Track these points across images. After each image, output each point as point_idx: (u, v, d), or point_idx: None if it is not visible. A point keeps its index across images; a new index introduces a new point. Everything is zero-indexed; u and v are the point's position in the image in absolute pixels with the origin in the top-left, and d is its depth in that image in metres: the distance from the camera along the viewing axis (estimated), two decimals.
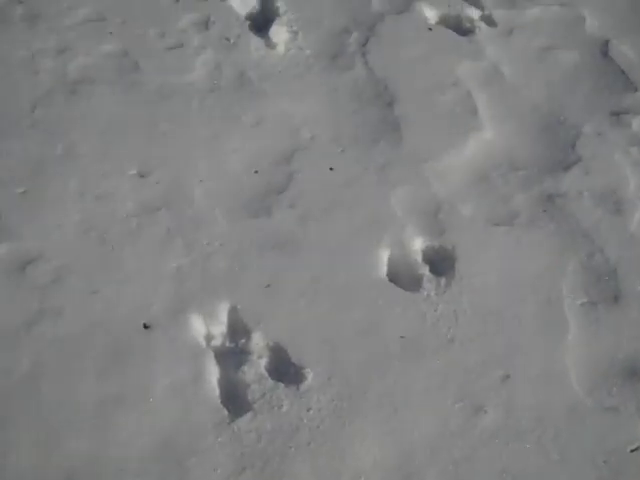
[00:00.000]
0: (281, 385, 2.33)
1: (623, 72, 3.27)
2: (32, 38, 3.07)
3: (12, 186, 2.65)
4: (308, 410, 2.30)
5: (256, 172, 2.80)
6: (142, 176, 2.73)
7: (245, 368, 2.36)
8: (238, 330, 2.44)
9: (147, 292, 2.47)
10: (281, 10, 3.35)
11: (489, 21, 3.41)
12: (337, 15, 3.35)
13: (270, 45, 3.22)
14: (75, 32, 3.11)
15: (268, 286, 2.53)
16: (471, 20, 3.40)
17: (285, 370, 2.38)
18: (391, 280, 2.59)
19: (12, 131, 2.78)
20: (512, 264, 2.66)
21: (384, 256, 2.63)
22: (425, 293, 2.57)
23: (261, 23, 3.32)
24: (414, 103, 3.08)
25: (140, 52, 3.09)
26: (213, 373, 2.32)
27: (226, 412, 2.25)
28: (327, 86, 3.10)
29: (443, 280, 2.60)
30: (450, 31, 3.35)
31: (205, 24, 3.24)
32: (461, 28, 3.39)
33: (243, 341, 2.41)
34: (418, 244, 2.68)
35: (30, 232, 2.55)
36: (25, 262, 2.48)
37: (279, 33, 3.27)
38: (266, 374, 2.35)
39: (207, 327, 2.41)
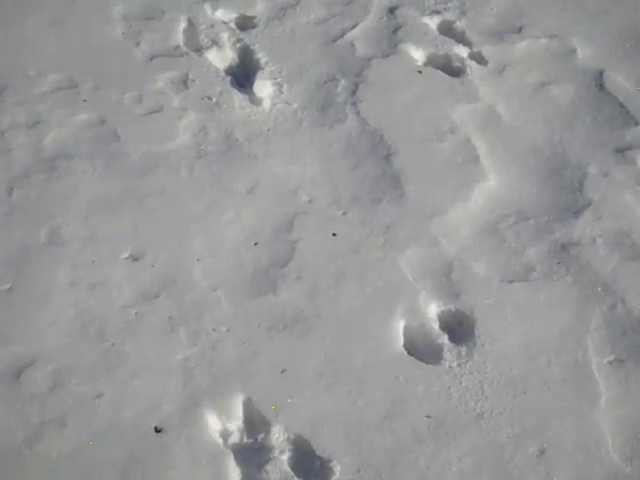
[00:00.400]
0: None
1: (621, 105, 3.28)
2: (0, 113, 2.97)
3: None
4: None
5: (256, 244, 2.74)
6: (136, 259, 2.65)
7: (268, 467, 2.28)
8: (256, 423, 2.37)
9: (155, 390, 2.38)
10: (262, 61, 3.28)
11: (479, 59, 3.39)
12: (321, 63, 3.30)
13: (255, 101, 3.16)
14: (46, 102, 3.01)
15: (283, 371, 2.47)
16: (460, 59, 3.38)
17: (310, 465, 2.31)
18: (410, 353, 2.55)
19: None
20: (533, 324, 2.64)
21: (400, 327, 2.58)
22: (447, 365, 2.53)
23: (243, 77, 3.26)
24: (413, 154, 3.05)
25: (118, 119, 3.01)
26: (234, 476, 2.26)
27: None
28: (320, 142, 3.05)
29: (464, 349, 2.57)
30: (440, 72, 3.32)
31: (184, 83, 3.16)
32: (451, 68, 3.36)
33: (262, 435, 2.34)
34: (434, 310, 2.64)
35: (21, 334, 2.44)
36: (19, 368, 2.38)
37: (263, 87, 3.21)
38: (291, 472, 2.29)
39: (222, 423, 2.33)
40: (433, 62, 3.37)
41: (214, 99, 3.12)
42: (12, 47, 3.15)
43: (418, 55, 3.38)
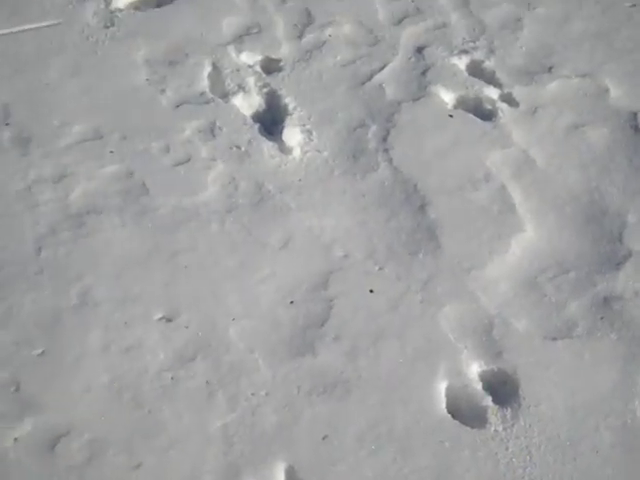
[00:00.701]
0: None
1: None
2: (26, 166, 2.96)
3: (28, 348, 2.54)
4: None
5: (292, 303, 2.74)
6: (169, 320, 2.65)
7: None
8: None
9: (194, 459, 2.38)
10: (290, 107, 3.29)
11: (510, 100, 3.40)
12: (350, 107, 3.31)
13: (285, 150, 3.17)
14: (72, 154, 3.02)
15: (325, 437, 2.46)
16: (491, 101, 3.39)
17: None
18: (454, 416, 2.54)
19: (19, 282, 2.67)
20: (578, 383, 2.63)
21: (442, 388, 2.58)
22: (492, 429, 2.53)
23: (271, 123, 3.27)
24: (447, 204, 3.05)
25: (146, 171, 3.01)
26: None
27: None
28: (352, 193, 3.06)
29: (509, 411, 2.56)
30: (472, 116, 3.33)
31: (211, 131, 3.17)
32: (482, 111, 3.37)
33: None
34: (476, 370, 2.63)
35: (55, 401, 2.44)
36: (54, 439, 2.38)
37: (292, 135, 3.21)
38: None
39: None
40: (464, 104, 3.38)
41: (243, 148, 3.13)
42: (34, 96, 3.16)
43: (448, 97, 3.40)
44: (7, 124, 3.07)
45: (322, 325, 2.70)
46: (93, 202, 2.90)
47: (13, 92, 3.16)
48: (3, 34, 3.32)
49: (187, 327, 2.64)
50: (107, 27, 3.43)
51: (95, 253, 2.78)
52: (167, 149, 3.09)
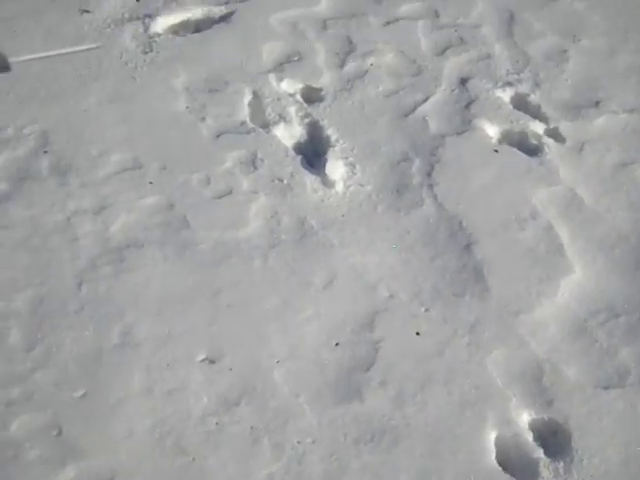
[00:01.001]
0: None
1: None
2: (65, 197, 2.92)
3: (69, 389, 2.49)
4: None
5: (337, 345, 2.68)
6: (213, 362, 2.60)
7: None
8: None
9: None
10: (332, 139, 3.24)
11: (556, 136, 3.35)
12: (394, 140, 3.27)
13: (327, 183, 3.12)
14: (111, 185, 2.98)
15: None
16: (537, 136, 3.34)
17: None
18: (504, 468, 2.48)
19: (59, 319, 2.62)
20: (632, 435, 2.57)
21: (491, 437, 2.52)
22: None
23: (313, 154, 3.22)
24: (494, 243, 3.00)
25: (186, 203, 2.96)
26: None
27: None
28: (397, 229, 3.01)
29: (561, 464, 2.50)
30: (517, 151, 3.28)
31: (252, 162, 3.13)
32: (528, 146, 3.32)
33: None
34: (526, 419, 2.57)
35: (97, 446, 2.39)
36: None
37: (335, 168, 3.16)
38: None
39: None
40: (509, 139, 3.33)
41: (285, 181, 3.09)
42: (73, 124, 3.11)
43: (493, 132, 3.35)
44: (45, 152, 3.02)
45: (368, 369, 2.65)
46: (133, 235, 2.86)
47: (51, 119, 3.12)
48: (40, 58, 3.29)
49: (231, 369, 2.59)
50: (146, 52, 3.39)
51: (136, 289, 2.73)
52: (208, 180, 3.05)
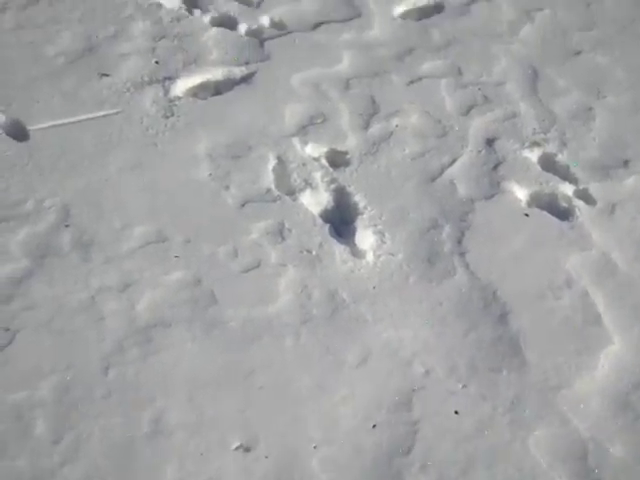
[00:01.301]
0: None
1: None
2: (89, 274, 2.84)
3: None
4: None
5: (374, 426, 2.60)
6: (248, 449, 2.51)
7: None
8: None
9: None
10: (360, 205, 3.18)
11: (586, 198, 3.30)
12: (422, 205, 3.20)
13: (357, 253, 3.04)
14: (136, 259, 2.90)
15: None
16: (567, 198, 3.28)
17: None
18: None
19: (87, 407, 2.53)
20: None
21: None
22: None
23: (340, 222, 3.14)
24: (529, 313, 2.93)
25: (213, 278, 2.89)
26: None
27: None
28: (429, 301, 2.94)
29: None
30: (548, 214, 3.22)
31: (280, 233, 3.06)
32: (558, 208, 3.26)
33: None
34: None
35: None
36: None
37: (364, 237, 3.09)
38: None
39: None
40: (538, 202, 3.27)
41: (314, 252, 3.01)
42: (94, 195, 3.03)
43: (522, 194, 3.29)
44: (67, 226, 2.94)
45: (408, 452, 2.56)
46: (160, 313, 2.78)
47: (72, 190, 3.04)
48: (59, 125, 3.23)
49: (267, 457, 2.50)
50: (167, 117, 3.32)
51: (165, 372, 2.64)
52: (235, 253, 2.98)
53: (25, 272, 2.83)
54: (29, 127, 3.23)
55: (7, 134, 3.21)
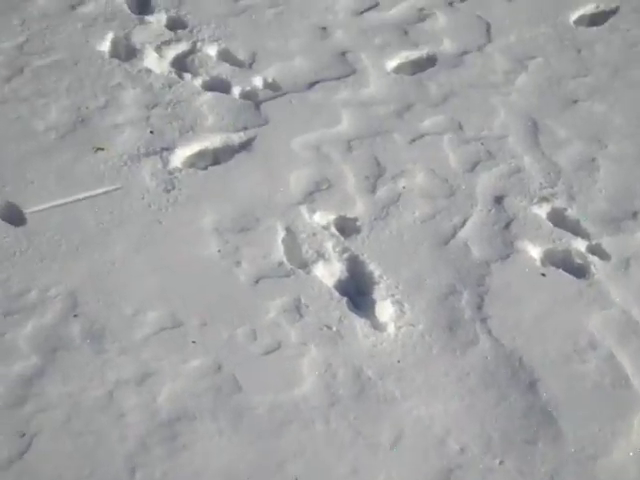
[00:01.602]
0: None
1: None
2: (104, 367, 2.74)
3: None
4: None
5: None
6: None
7: None
8: None
9: None
10: (375, 275, 3.13)
11: (600, 253, 3.28)
12: (438, 270, 3.16)
13: (378, 326, 2.99)
14: (152, 348, 2.80)
15: None
16: (581, 255, 3.26)
17: None
18: None
19: None
20: None
21: None
22: None
23: (356, 293, 3.09)
24: (557, 379, 2.89)
25: (234, 363, 2.80)
26: None
27: None
28: (455, 372, 2.90)
29: None
30: (564, 273, 3.19)
31: (297, 309, 2.99)
32: (573, 265, 3.23)
33: None
34: None
35: None
36: None
37: (383, 308, 3.04)
38: None
39: None
40: (552, 259, 3.25)
41: (334, 328, 2.95)
42: (101, 280, 2.94)
43: (536, 253, 3.26)
44: (75, 315, 2.84)
45: None
46: (183, 405, 2.68)
47: (77, 276, 2.95)
48: (57, 205, 3.13)
49: None
50: (168, 191, 3.24)
51: (195, 470, 2.54)
52: (254, 335, 2.90)
53: (36, 370, 2.72)
54: (25, 210, 3.14)
55: (2, 218, 3.12)
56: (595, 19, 4.41)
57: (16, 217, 3.12)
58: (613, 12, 4.42)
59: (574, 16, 4.38)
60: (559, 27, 4.30)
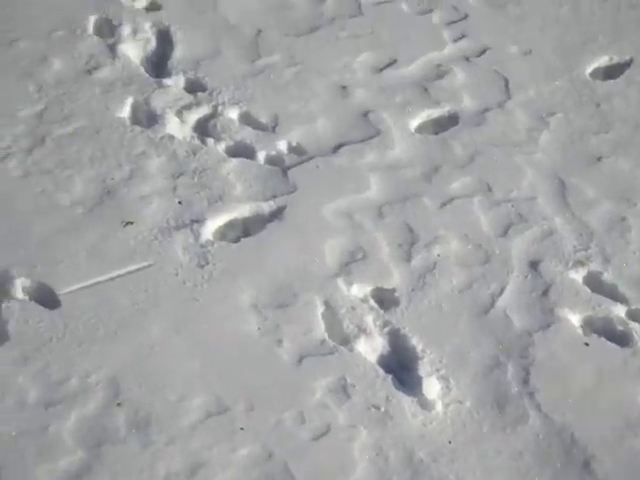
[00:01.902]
0: None
1: None
2: (152, 459, 2.65)
3: None
4: None
5: None
6: None
7: None
8: None
9: None
10: (418, 349, 3.09)
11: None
12: (480, 343, 3.12)
13: (426, 405, 2.95)
14: (199, 436, 2.71)
15: None
16: (622, 321, 3.25)
17: None
18: None
19: None
20: None
21: None
22: None
23: (400, 368, 3.04)
24: (612, 457, 2.87)
25: (285, 449, 2.74)
26: None
27: None
28: (508, 451, 2.86)
29: None
30: (607, 342, 3.18)
31: (343, 389, 2.94)
32: (615, 333, 3.22)
33: None
34: None
35: None
36: None
37: (429, 385, 3.00)
38: None
39: None
40: (594, 327, 3.24)
41: (382, 408, 2.90)
42: (142, 364, 2.85)
43: (576, 320, 3.25)
44: (119, 404, 2.76)
45: None
46: None
47: (117, 361, 2.87)
48: (88, 286, 3.07)
49: None
50: (202, 266, 3.18)
51: None
52: (302, 419, 2.84)
53: (82, 466, 2.64)
54: (58, 291, 3.07)
55: (36, 301, 3.04)
56: (610, 72, 4.45)
57: (49, 299, 3.03)
58: (627, 64, 4.47)
59: (589, 69, 4.42)
60: (576, 81, 4.33)
